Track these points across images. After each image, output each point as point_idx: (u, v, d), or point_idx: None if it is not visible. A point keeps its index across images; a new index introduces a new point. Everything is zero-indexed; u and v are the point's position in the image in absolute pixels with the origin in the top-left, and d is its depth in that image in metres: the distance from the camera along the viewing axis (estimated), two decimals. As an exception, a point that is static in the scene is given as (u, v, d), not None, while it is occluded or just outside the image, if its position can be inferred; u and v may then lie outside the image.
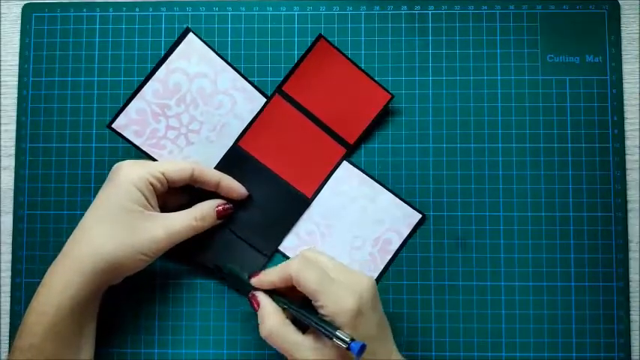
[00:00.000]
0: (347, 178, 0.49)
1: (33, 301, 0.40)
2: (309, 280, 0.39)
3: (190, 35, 0.46)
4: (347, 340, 0.36)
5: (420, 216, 0.48)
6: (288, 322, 0.40)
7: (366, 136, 0.49)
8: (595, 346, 0.47)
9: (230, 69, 0.47)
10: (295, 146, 0.48)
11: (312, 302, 0.39)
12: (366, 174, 0.48)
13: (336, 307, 0.38)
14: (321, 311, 0.39)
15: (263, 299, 0.42)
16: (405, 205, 0.48)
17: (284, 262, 0.42)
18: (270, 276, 0.42)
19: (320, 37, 0.47)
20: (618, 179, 0.48)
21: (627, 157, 0.49)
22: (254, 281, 0.43)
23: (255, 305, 0.42)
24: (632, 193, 0.49)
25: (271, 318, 0.40)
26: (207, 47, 0.47)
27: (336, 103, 0.48)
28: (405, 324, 0.48)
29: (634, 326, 0.48)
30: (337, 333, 0.37)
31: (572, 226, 0.48)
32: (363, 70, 0.48)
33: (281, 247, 0.48)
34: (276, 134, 0.48)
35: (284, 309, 0.41)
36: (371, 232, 0.48)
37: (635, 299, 0.48)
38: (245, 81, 0.48)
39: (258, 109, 0.48)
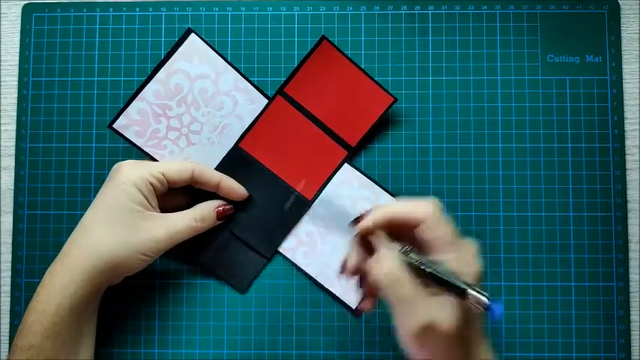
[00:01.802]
0: (348, 181, 0.48)
1: (33, 301, 0.40)
2: (447, 230, 0.34)
3: (192, 36, 0.46)
4: (487, 300, 0.31)
5: None
6: (405, 267, 0.34)
7: (367, 136, 0.48)
8: (595, 346, 0.47)
9: (232, 70, 0.47)
10: (296, 148, 0.48)
11: (434, 255, 0.34)
12: (367, 176, 0.48)
13: (464, 267, 0.33)
14: (452, 262, 0.34)
15: (377, 241, 0.36)
16: (406, 208, 0.48)
17: (406, 203, 0.36)
18: (389, 208, 0.36)
19: (323, 38, 0.47)
20: (618, 179, 0.48)
21: (627, 157, 0.49)
22: (363, 222, 0.36)
23: (368, 251, 0.36)
24: (632, 193, 0.49)
25: (391, 259, 0.34)
26: (209, 48, 0.47)
27: (338, 105, 0.48)
28: (405, 324, 0.47)
29: (634, 326, 0.48)
30: (475, 290, 0.31)
31: (572, 226, 0.48)
32: (365, 72, 0.47)
33: (280, 249, 0.48)
34: (278, 136, 0.48)
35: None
36: (370, 235, 0.48)
37: (635, 299, 0.48)
38: (247, 82, 0.48)
39: (259, 111, 0.48)
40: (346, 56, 0.47)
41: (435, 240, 0.34)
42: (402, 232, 0.36)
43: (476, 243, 0.35)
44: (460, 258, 0.34)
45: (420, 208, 0.35)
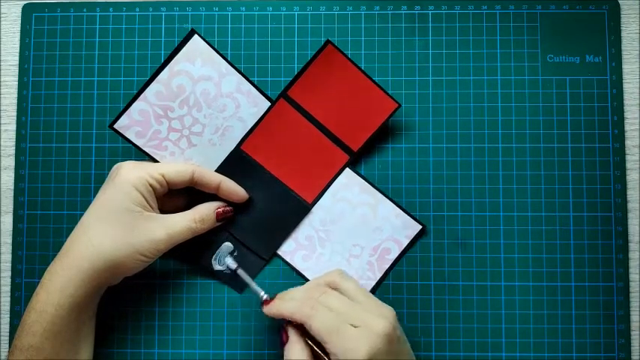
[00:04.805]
0: (348, 186, 0.48)
1: (32, 301, 0.40)
2: (318, 329, 0.38)
3: (195, 37, 0.46)
4: None
5: (420, 227, 0.48)
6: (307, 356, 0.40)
7: (369, 140, 0.48)
8: (595, 346, 0.47)
9: (234, 72, 0.47)
10: (298, 151, 0.48)
11: (327, 348, 0.38)
12: (368, 182, 0.48)
13: (346, 356, 0.37)
14: (332, 357, 0.38)
15: (292, 334, 0.41)
16: (406, 215, 0.48)
17: (296, 301, 0.41)
18: (280, 310, 0.41)
19: (328, 42, 0.46)
20: (618, 179, 0.48)
21: (627, 157, 0.49)
22: (265, 310, 0.42)
23: (285, 338, 0.41)
24: (632, 193, 0.49)
25: (297, 352, 0.40)
26: (211, 49, 0.46)
27: (341, 110, 0.48)
28: (405, 324, 0.48)
29: (634, 326, 0.48)
30: None
31: (572, 226, 0.48)
32: (369, 77, 0.47)
33: (279, 252, 0.48)
34: (279, 139, 0.48)
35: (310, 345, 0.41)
36: (370, 240, 0.48)
37: (635, 299, 0.48)
38: (249, 84, 0.47)
39: (262, 113, 0.48)
40: (350, 60, 0.47)
41: (316, 337, 0.39)
42: None
43: (380, 324, 0.38)
44: (340, 350, 0.37)
45: (300, 312, 0.40)
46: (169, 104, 0.46)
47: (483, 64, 0.49)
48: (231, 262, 0.47)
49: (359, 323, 0.38)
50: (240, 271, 0.46)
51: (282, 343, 0.42)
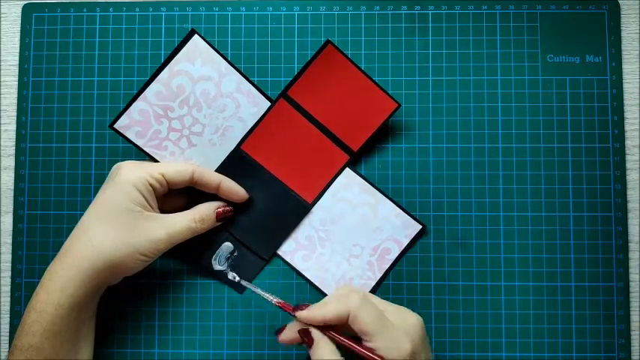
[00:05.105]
0: (348, 185, 0.48)
1: (32, 301, 0.40)
2: (366, 320, 0.37)
3: (195, 37, 0.46)
4: None
5: (420, 227, 0.48)
6: (340, 356, 0.38)
7: (369, 140, 0.48)
8: (595, 346, 0.47)
9: (235, 72, 0.47)
10: (298, 151, 0.48)
11: (365, 342, 0.38)
12: (368, 182, 0.48)
13: (393, 350, 0.37)
14: (375, 352, 0.37)
15: (318, 335, 0.39)
16: (406, 215, 0.48)
17: (337, 299, 0.39)
18: (323, 312, 0.39)
19: (328, 42, 0.46)
20: (618, 179, 0.48)
21: (627, 157, 0.49)
22: (303, 317, 0.39)
23: (308, 341, 0.39)
24: (632, 193, 0.49)
25: (326, 349, 0.38)
26: (211, 49, 0.46)
27: (341, 110, 0.47)
28: (405, 324, 0.47)
29: (634, 326, 0.48)
30: None
31: (572, 226, 0.48)
32: (369, 77, 0.47)
33: (279, 252, 0.48)
34: (279, 139, 0.48)
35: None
36: (370, 240, 0.48)
37: (635, 299, 0.48)
38: (250, 84, 0.47)
39: (262, 113, 0.48)
40: (350, 60, 0.47)
41: (361, 330, 0.38)
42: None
43: (414, 318, 0.39)
44: (387, 342, 0.37)
45: (347, 304, 0.38)
46: (169, 104, 0.46)
47: (483, 64, 0.49)
48: (234, 275, 0.47)
49: (393, 318, 0.39)
50: (245, 282, 0.46)
51: (308, 346, 0.39)
